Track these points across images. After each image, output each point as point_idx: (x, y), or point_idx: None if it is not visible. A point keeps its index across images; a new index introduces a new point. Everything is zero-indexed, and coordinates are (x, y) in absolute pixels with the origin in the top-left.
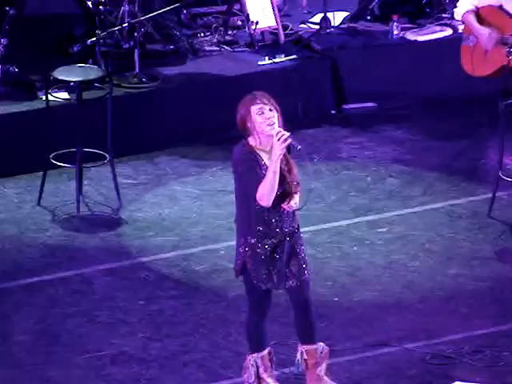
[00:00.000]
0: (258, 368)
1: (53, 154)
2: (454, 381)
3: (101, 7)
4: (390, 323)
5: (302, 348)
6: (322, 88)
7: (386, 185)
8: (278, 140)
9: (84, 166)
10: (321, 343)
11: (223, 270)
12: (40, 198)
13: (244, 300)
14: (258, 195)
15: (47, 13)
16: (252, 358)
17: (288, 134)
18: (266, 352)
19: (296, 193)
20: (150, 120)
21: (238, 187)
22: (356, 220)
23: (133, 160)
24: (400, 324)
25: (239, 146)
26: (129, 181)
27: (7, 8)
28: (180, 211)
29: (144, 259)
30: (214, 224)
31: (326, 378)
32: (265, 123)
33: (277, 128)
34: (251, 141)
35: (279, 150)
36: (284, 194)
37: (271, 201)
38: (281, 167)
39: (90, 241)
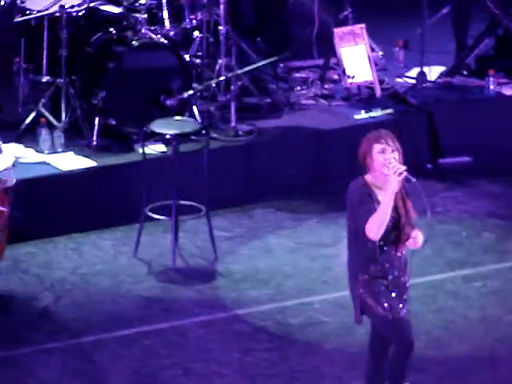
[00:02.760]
0: None
1: (149, 207)
2: None
3: (198, 60)
4: (484, 377)
5: None
6: (418, 142)
7: (481, 239)
8: (394, 173)
9: (180, 218)
10: None
11: (318, 323)
12: (136, 249)
13: (339, 353)
14: (368, 226)
15: (145, 66)
16: None
17: (404, 167)
18: None
19: (409, 235)
20: (246, 173)
21: (351, 223)
22: (451, 274)
23: (228, 213)
24: (494, 378)
25: (355, 181)
26: (224, 233)
27: (106, 61)
28: (275, 264)
29: (239, 312)
30: (309, 277)
31: None
32: (384, 163)
33: (393, 162)
34: (368, 177)
35: (395, 182)
36: (398, 236)
37: (380, 234)
38: (397, 206)
39: (185, 293)
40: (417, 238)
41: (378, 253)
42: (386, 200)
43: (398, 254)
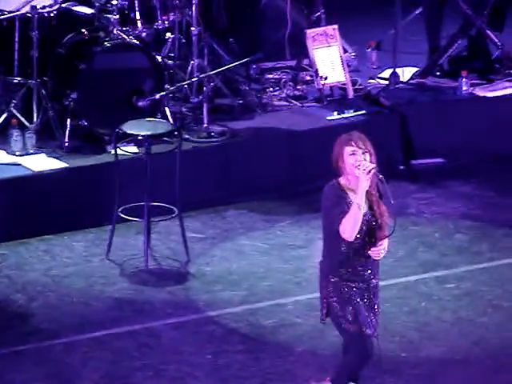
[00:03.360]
0: None
1: (121, 208)
2: None
3: (170, 61)
4: (458, 379)
5: None
6: (391, 143)
7: (454, 240)
8: (363, 171)
9: (152, 219)
10: None
11: (291, 324)
12: (108, 251)
13: (312, 356)
14: (341, 227)
15: (117, 67)
16: None
17: (373, 165)
18: None
19: (382, 239)
20: (218, 174)
21: (325, 225)
22: (424, 275)
23: (201, 214)
24: (468, 380)
25: (329, 184)
26: (197, 235)
27: (77, 62)
28: (248, 266)
29: (212, 313)
30: (282, 279)
31: None
32: (354, 165)
33: (363, 162)
34: (342, 180)
35: (364, 180)
36: (372, 239)
37: (353, 235)
38: (372, 208)
39: (157, 294)
40: (379, 248)
41: (351, 256)
42: (357, 200)
43: (369, 261)
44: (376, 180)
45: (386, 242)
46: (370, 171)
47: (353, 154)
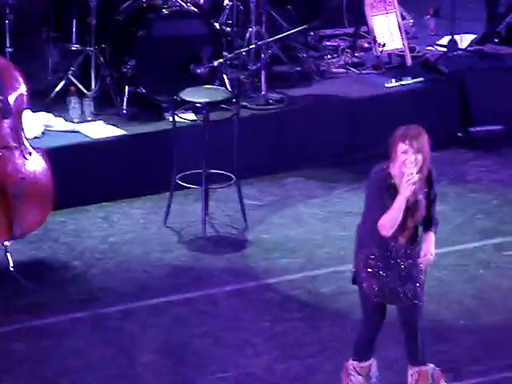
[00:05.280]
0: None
1: (179, 175)
2: None
3: (228, 29)
4: None
5: (412, 370)
6: (449, 110)
7: None
8: (407, 181)
9: (210, 187)
10: (431, 365)
11: (349, 292)
12: (166, 218)
13: None
14: (380, 223)
15: (174, 34)
16: (351, 365)
17: (417, 178)
18: (367, 364)
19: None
20: (276, 141)
21: (366, 205)
22: (482, 243)
23: (259, 181)
24: None
25: (379, 167)
26: (255, 202)
27: (135, 29)
28: (306, 233)
29: (270, 280)
30: (340, 246)
31: None
32: (404, 163)
33: (409, 169)
34: (392, 167)
35: (408, 190)
36: (404, 222)
37: (391, 232)
38: (410, 203)
39: (215, 262)
40: (427, 255)
41: (383, 239)
42: (396, 205)
43: (403, 240)
44: (429, 168)
45: (432, 247)
46: (414, 183)
47: (405, 152)
